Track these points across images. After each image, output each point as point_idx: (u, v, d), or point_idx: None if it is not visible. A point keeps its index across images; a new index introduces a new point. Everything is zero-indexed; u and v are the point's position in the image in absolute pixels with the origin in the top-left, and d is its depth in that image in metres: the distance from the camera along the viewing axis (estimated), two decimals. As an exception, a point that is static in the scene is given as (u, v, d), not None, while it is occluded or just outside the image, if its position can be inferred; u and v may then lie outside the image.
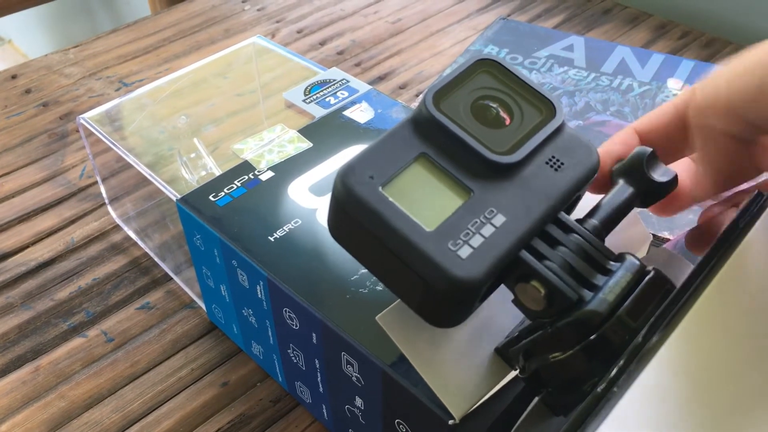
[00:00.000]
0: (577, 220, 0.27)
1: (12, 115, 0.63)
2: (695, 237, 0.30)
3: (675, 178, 0.27)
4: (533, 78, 0.60)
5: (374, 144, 0.26)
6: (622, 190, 0.27)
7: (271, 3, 0.78)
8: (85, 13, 1.73)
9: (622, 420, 0.20)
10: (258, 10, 0.77)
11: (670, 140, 0.29)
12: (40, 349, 0.44)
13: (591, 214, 0.27)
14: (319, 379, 0.35)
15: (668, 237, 0.45)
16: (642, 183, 0.27)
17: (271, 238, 0.36)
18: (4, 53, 2.11)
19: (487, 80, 0.27)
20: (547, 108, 0.27)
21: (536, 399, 0.26)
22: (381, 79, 0.65)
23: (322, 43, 0.71)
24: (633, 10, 0.73)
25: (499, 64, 0.27)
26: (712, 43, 0.68)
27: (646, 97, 0.57)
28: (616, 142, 0.29)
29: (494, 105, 0.27)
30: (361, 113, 0.43)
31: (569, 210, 0.28)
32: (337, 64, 0.68)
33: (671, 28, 0.70)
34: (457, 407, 0.26)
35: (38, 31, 1.93)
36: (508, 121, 0.26)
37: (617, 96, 0.58)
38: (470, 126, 0.26)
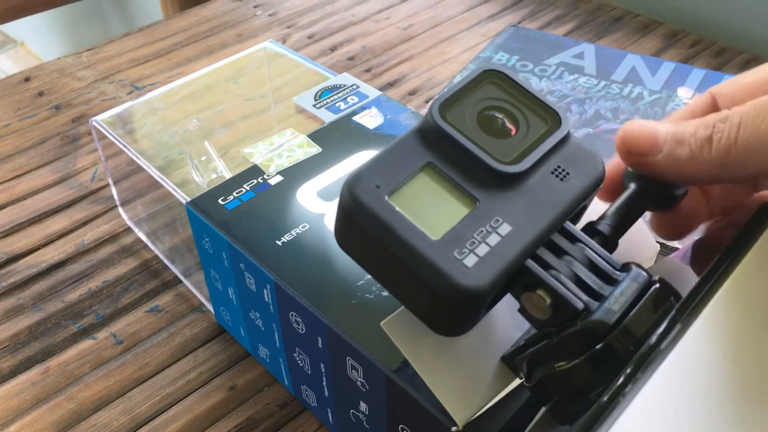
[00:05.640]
0: (589, 224, 0.27)
1: (25, 118, 0.63)
2: (700, 250, 0.30)
3: None
4: (543, 85, 0.60)
5: (381, 153, 0.26)
6: (633, 193, 0.27)
7: (282, 8, 0.78)
8: (97, 17, 1.75)
9: (628, 429, 0.21)
10: (269, 15, 0.77)
11: None
12: (50, 350, 0.44)
13: (602, 217, 0.27)
14: (324, 383, 0.35)
15: (677, 246, 0.45)
16: (652, 185, 0.27)
17: (279, 242, 0.36)
18: (17, 55, 2.13)
19: (492, 91, 0.27)
20: (553, 118, 0.27)
21: (543, 409, 0.26)
22: (391, 85, 0.66)
23: (333, 49, 0.71)
24: (644, 19, 0.73)
25: (505, 74, 0.28)
26: (723, 52, 0.68)
27: (656, 106, 0.57)
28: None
29: (500, 115, 0.27)
30: (370, 119, 0.44)
31: (575, 219, 0.28)
32: (347, 69, 0.68)
33: (682, 37, 0.70)
34: (459, 414, 0.27)
35: (51, 33, 1.95)
36: (513, 132, 0.27)
37: (627, 104, 0.58)
38: (476, 136, 0.26)
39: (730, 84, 0.28)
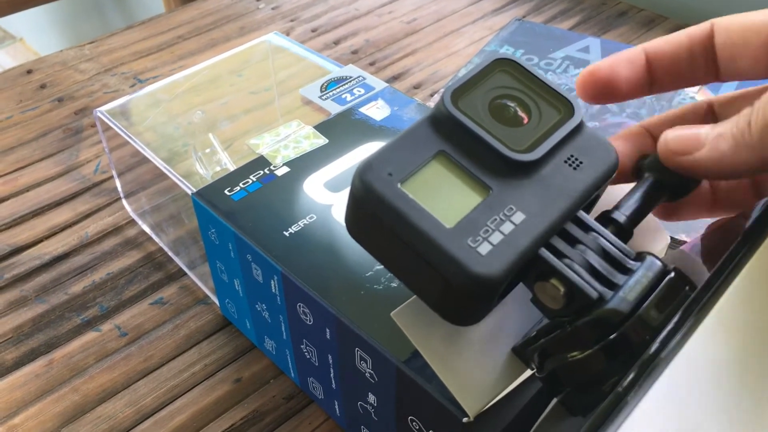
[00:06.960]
0: (604, 212, 0.27)
1: (27, 110, 0.63)
2: (710, 243, 0.30)
3: None
4: (549, 79, 0.60)
5: (393, 141, 0.26)
6: (648, 183, 0.27)
7: (285, 2, 0.78)
8: (96, 12, 1.74)
9: (644, 420, 0.20)
10: (272, 8, 0.77)
11: (678, 64, 0.28)
12: (53, 342, 0.44)
13: (617, 206, 0.27)
14: (332, 375, 0.35)
15: (685, 239, 0.45)
16: (669, 175, 0.27)
17: (286, 233, 0.36)
18: (15, 51, 2.12)
19: (505, 79, 0.27)
20: (566, 107, 0.27)
21: (555, 400, 0.26)
22: (395, 78, 0.65)
23: (337, 42, 0.71)
24: (649, 13, 0.73)
25: (517, 63, 0.27)
26: (729, 46, 0.67)
27: (662, 99, 0.57)
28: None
29: (512, 104, 0.27)
30: (377, 110, 0.43)
31: (588, 209, 0.27)
32: (351, 63, 0.68)
33: (687, 31, 0.70)
34: (471, 405, 0.26)
35: (50, 29, 1.94)
36: (526, 120, 0.26)
37: (633, 98, 0.57)
38: (488, 124, 0.26)
39: (731, 19, 0.27)
